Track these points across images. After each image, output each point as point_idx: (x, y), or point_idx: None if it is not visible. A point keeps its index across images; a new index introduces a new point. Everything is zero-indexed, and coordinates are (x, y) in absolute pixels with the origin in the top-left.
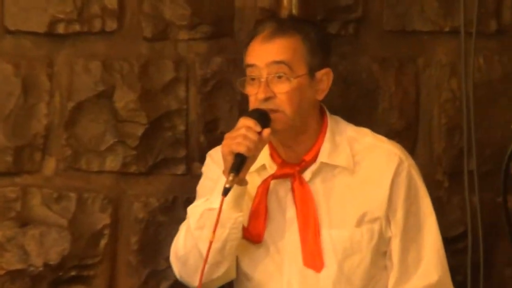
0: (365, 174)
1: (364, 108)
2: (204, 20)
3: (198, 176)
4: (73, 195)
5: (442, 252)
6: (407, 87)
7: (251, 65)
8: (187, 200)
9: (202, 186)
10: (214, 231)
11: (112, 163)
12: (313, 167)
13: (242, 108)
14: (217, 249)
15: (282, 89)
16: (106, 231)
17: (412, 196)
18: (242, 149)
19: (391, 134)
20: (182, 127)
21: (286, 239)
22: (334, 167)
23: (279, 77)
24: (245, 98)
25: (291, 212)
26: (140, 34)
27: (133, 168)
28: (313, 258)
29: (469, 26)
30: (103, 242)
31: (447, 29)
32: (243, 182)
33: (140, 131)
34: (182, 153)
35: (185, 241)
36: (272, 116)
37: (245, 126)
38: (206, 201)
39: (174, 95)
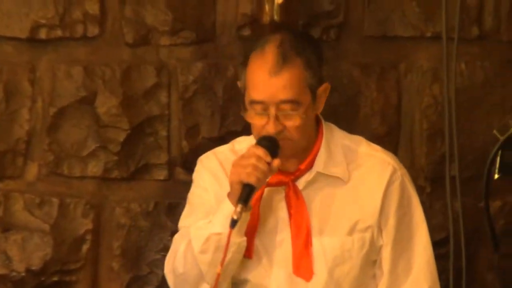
0: (358, 183)
1: (346, 113)
2: (186, 26)
3: (180, 181)
4: (55, 200)
5: (432, 261)
6: (389, 92)
7: (259, 102)
8: (169, 205)
9: (194, 195)
10: (222, 264)
11: (94, 168)
12: (308, 176)
13: (223, 113)
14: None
15: (292, 124)
16: (88, 237)
17: (405, 206)
18: (252, 180)
19: (373, 139)
20: (163, 133)
21: (277, 246)
22: (329, 176)
23: (289, 114)
24: (226, 103)
25: (284, 220)
26: (122, 40)
27: (115, 174)
28: (303, 267)
29: (451, 32)
30: (85, 247)
31: (428, 34)
32: (248, 208)
33: (122, 136)
34: (163, 158)
35: (185, 260)
36: (281, 143)
37: (256, 155)
38: (210, 224)
39: (155, 101)
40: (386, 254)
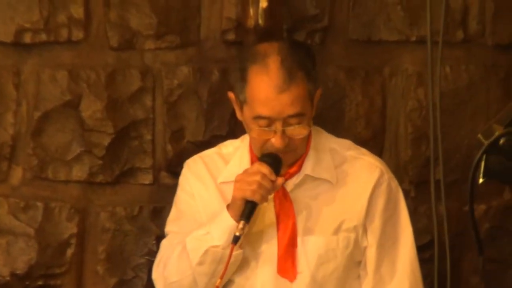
0: (346, 184)
1: (331, 117)
2: (171, 30)
3: (165, 185)
4: (40, 204)
5: (416, 264)
6: (374, 96)
7: (265, 117)
8: (154, 209)
9: (180, 200)
10: (221, 277)
11: (78, 172)
12: (296, 179)
13: (208, 117)
14: (215, 283)
15: (298, 135)
16: (73, 241)
17: (391, 208)
18: (257, 198)
19: (358, 143)
20: (148, 137)
21: (264, 247)
22: (317, 179)
23: (294, 126)
24: (210, 107)
25: (271, 221)
26: (107, 44)
27: (99, 178)
28: (287, 268)
29: (436, 36)
30: (70, 251)
31: (413, 38)
32: (249, 224)
33: (106, 140)
34: (148, 162)
35: (178, 268)
36: (284, 156)
37: (261, 173)
38: (208, 236)
39: (140, 105)
40: (370, 255)
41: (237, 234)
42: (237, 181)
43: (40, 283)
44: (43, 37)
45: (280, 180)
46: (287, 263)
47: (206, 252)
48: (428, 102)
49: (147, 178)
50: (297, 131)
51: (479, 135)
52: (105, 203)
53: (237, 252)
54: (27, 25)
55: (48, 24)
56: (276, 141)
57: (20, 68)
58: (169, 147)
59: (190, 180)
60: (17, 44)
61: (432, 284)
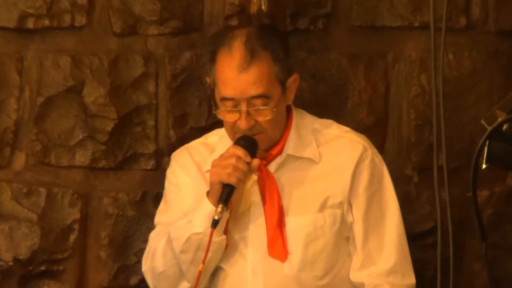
0: (329, 161)
1: (334, 103)
2: (174, 15)
3: None
4: (42, 190)
5: (403, 238)
6: (377, 82)
7: (230, 99)
8: (157, 195)
9: (168, 192)
10: (203, 262)
11: (81, 158)
12: (278, 160)
13: (211, 103)
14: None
15: (263, 117)
16: (76, 226)
17: (375, 183)
18: (232, 181)
19: (361, 129)
20: (151, 122)
21: (252, 230)
22: (299, 158)
23: (260, 109)
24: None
25: (256, 204)
26: (110, 29)
27: (102, 163)
28: (277, 248)
29: (439, 22)
30: (72, 237)
31: (416, 24)
32: (228, 208)
33: (109, 126)
34: (151, 148)
35: (164, 258)
36: (256, 138)
37: (236, 156)
38: (189, 224)
39: (143, 90)
40: (357, 230)
41: (216, 218)
42: (213, 166)
43: (42, 268)
44: (46, 22)
45: (256, 161)
46: (277, 243)
47: (188, 239)
48: (431, 88)
49: (150, 164)
50: (262, 113)
51: (482, 121)
52: (108, 188)
53: (220, 238)
54: (30, 11)
55: (51, 9)
56: (240, 122)
57: (23, 54)
58: (172, 133)
59: (176, 172)
60: (20, 30)
61: (435, 270)
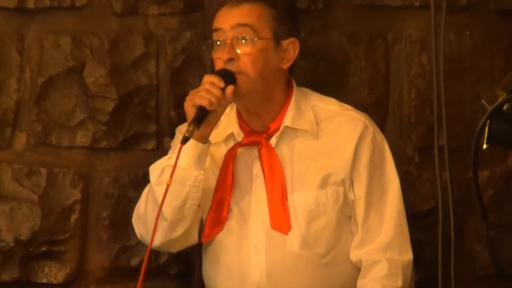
0: (330, 138)
1: (334, 83)
2: None
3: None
4: (43, 170)
5: (403, 216)
6: (377, 62)
7: (217, 29)
8: None
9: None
10: (171, 176)
11: (82, 138)
12: (277, 133)
13: None
14: (176, 207)
15: (245, 50)
16: (77, 207)
17: (377, 160)
18: (204, 102)
19: (361, 109)
20: (152, 103)
21: (253, 204)
22: (298, 131)
23: (244, 39)
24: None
25: (258, 177)
26: (110, 9)
27: (103, 144)
28: (280, 221)
29: (439, 1)
30: (73, 217)
31: (417, 4)
32: (205, 140)
33: (110, 106)
34: (152, 128)
35: (146, 200)
36: (237, 78)
37: (209, 81)
38: (168, 159)
39: (144, 70)
40: (359, 207)
41: (186, 135)
42: (188, 95)
43: (43, 249)
44: (47, 2)
45: (229, 88)
46: (279, 216)
47: (162, 171)
48: (432, 68)
49: (150, 144)
50: (244, 46)
51: (483, 101)
52: (109, 168)
53: (197, 172)
54: None
55: None
56: (223, 54)
57: (24, 33)
58: (172, 113)
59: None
60: (20, 10)
61: (436, 250)
